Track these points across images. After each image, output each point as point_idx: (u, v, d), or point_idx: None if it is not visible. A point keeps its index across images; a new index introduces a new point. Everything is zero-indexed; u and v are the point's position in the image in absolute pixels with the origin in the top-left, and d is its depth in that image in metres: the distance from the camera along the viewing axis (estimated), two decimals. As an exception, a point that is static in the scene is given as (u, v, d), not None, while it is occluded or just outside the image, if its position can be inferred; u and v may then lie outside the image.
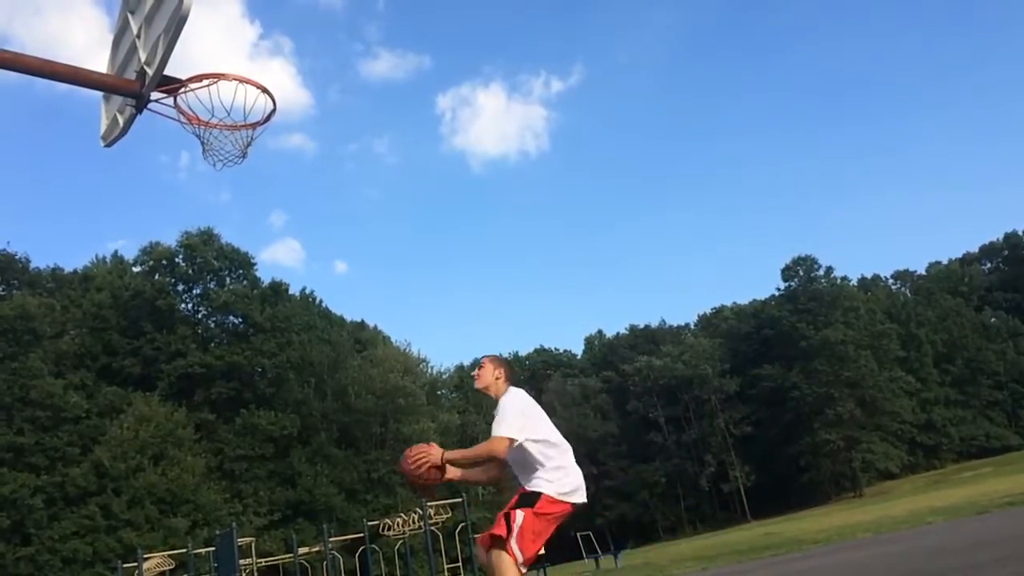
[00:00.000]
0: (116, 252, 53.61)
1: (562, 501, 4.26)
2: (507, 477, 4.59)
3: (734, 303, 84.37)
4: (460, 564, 29.99)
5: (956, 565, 7.22)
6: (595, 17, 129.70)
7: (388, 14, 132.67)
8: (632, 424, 74.13)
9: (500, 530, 4.12)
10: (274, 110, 4.47)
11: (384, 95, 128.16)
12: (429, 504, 26.70)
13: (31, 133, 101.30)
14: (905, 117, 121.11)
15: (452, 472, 4.41)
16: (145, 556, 27.58)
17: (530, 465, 4.32)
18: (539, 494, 4.22)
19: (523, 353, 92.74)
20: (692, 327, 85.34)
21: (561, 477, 4.32)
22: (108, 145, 4.52)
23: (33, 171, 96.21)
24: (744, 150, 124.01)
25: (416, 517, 27.25)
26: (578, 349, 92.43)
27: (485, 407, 58.17)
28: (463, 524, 27.65)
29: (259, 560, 31.86)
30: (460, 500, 27.20)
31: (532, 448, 4.30)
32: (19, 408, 37.60)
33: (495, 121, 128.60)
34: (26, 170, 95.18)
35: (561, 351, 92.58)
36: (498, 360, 4.66)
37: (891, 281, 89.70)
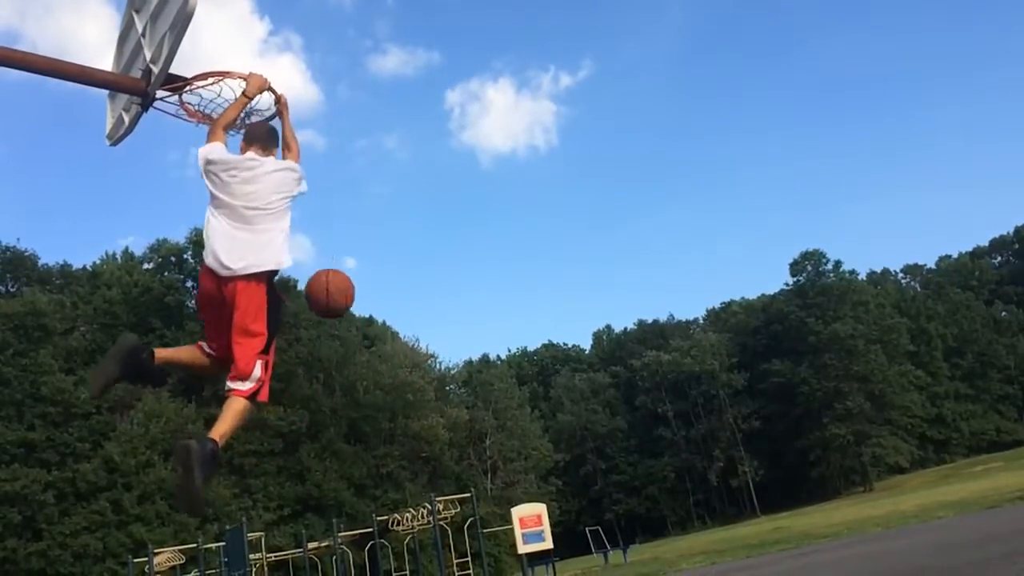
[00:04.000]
0: (127, 249, 53.72)
1: None
2: None
3: (743, 298, 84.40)
4: (469, 559, 30.03)
5: (967, 560, 7.19)
6: (604, 12, 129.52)
7: (397, 10, 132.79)
8: (641, 419, 74.14)
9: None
10: (279, 107, 4.47)
11: (393, 91, 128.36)
12: (438, 499, 26.75)
13: (40, 131, 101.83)
14: (915, 112, 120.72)
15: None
16: (155, 551, 27.71)
17: None
18: None
19: (531, 348, 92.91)
20: (701, 322, 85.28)
21: None
22: (114, 144, 4.52)
23: (42, 168, 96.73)
24: (753, 145, 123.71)
25: (425, 512, 27.32)
26: (586, 344, 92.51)
27: (494, 403, 58.25)
28: (472, 519, 27.70)
29: (268, 555, 31.91)
30: (469, 495, 27.26)
31: None
32: (30, 404, 37.76)
33: (504, 116, 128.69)
34: (35, 167, 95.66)
35: (569, 346, 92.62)
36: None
37: (901, 275, 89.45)
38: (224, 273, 3.75)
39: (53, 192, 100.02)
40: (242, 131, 4.37)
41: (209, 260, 3.82)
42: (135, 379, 3.87)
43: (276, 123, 4.51)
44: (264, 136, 4.22)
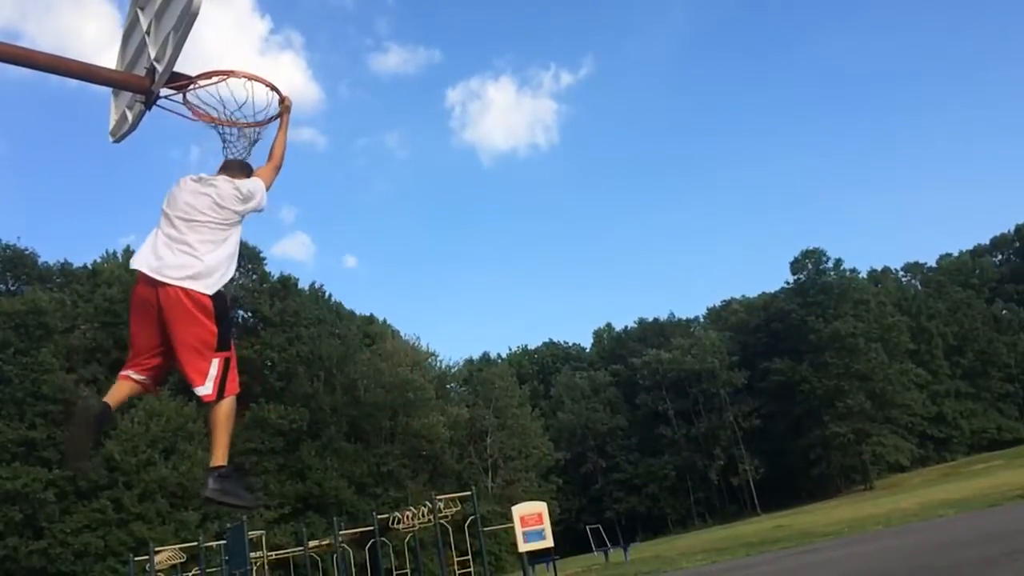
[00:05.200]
0: (128, 247, 53.62)
1: None
2: None
3: (743, 296, 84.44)
4: (470, 557, 30.03)
5: (967, 558, 7.20)
6: (605, 10, 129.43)
7: (398, 8, 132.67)
8: (641, 417, 74.16)
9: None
10: (282, 107, 4.51)
11: (394, 89, 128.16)
12: (439, 497, 26.78)
13: (41, 129, 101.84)
14: (915, 110, 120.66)
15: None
16: (156, 549, 27.72)
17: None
18: None
19: (532, 346, 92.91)
20: (701, 320, 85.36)
21: None
22: (117, 141, 4.54)
23: (42, 167, 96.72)
24: (754, 144, 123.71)
25: (425, 510, 27.32)
26: (587, 342, 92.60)
27: (494, 401, 58.27)
28: (472, 517, 27.69)
29: (269, 553, 31.93)
30: (469, 494, 27.26)
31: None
32: (31, 403, 37.77)
33: (505, 115, 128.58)
34: (35, 165, 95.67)
35: (570, 344, 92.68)
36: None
37: (901, 273, 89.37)
38: (158, 278, 3.76)
39: (53, 190, 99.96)
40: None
41: (142, 265, 3.82)
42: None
43: (270, 129, 4.56)
44: (236, 167, 4.29)
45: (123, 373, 3.91)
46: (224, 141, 4.47)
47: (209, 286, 3.81)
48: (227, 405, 3.83)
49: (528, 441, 59.01)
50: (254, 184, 4.15)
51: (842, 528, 16.85)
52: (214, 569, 28.97)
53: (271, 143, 4.49)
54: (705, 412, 72.49)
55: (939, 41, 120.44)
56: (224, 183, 4.06)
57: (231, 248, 3.99)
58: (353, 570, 33.71)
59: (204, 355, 3.76)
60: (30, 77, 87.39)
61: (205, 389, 3.77)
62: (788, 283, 73.83)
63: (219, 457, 3.78)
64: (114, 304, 45.80)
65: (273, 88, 4.41)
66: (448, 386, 60.60)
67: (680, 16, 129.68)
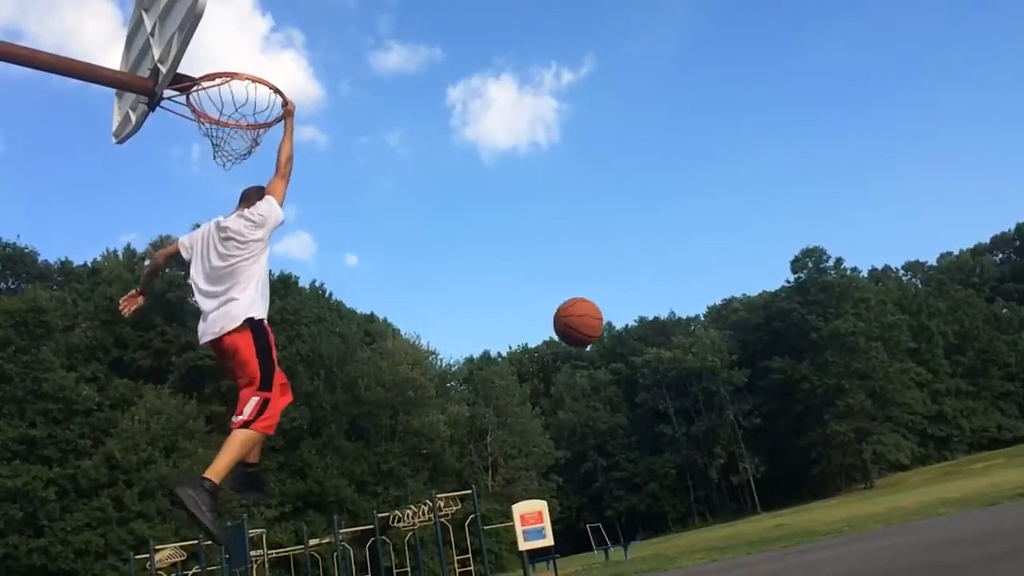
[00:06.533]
0: (128, 245, 53.62)
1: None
2: None
3: (744, 295, 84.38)
4: (470, 555, 30.07)
5: (968, 557, 7.21)
6: (606, 9, 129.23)
7: (399, 6, 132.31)
8: (642, 416, 74.17)
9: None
10: (285, 111, 4.52)
11: (395, 88, 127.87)
12: (439, 496, 26.80)
13: (41, 127, 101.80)
14: (916, 108, 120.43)
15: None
16: (157, 548, 27.77)
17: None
18: None
19: (532, 345, 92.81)
20: (702, 319, 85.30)
21: None
22: (120, 142, 4.55)
23: (43, 165, 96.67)
24: (755, 142, 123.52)
25: (426, 509, 27.35)
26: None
27: (495, 400, 58.29)
28: (473, 516, 27.72)
29: (270, 552, 31.98)
30: (470, 492, 27.29)
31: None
32: (31, 401, 37.80)
33: (506, 113, 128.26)
34: (36, 164, 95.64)
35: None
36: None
37: (902, 272, 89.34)
38: (212, 338, 4.09)
39: (53, 189, 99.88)
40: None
41: (203, 337, 4.18)
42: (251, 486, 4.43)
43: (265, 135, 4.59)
44: (254, 195, 4.41)
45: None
46: (225, 143, 4.48)
47: (249, 310, 4.09)
48: (248, 433, 3.96)
49: (528, 440, 59.04)
50: (264, 206, 4.26)
51: (842, 527, 16.87)
52: (214, 567, 28.99)
53: (277, 147, 4.53)
54: (705, 411, 72.49)
55: (939, 38, 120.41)
56: (235, 220, 4.22)
57: (262, 270, 4.24)
58: (353, 568, 33.75)
59: (248, 391, 4.02)
60: (30, 76, 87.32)
61: (240, 417, 3.98)
62: (789, 282, 73.86)
63: (213, 471, 3.88)
64: (114, 302, 45.57)
65: (277, 91, 4.41)
66: (448, 384, 60.62)
67: (681, 15, 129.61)
